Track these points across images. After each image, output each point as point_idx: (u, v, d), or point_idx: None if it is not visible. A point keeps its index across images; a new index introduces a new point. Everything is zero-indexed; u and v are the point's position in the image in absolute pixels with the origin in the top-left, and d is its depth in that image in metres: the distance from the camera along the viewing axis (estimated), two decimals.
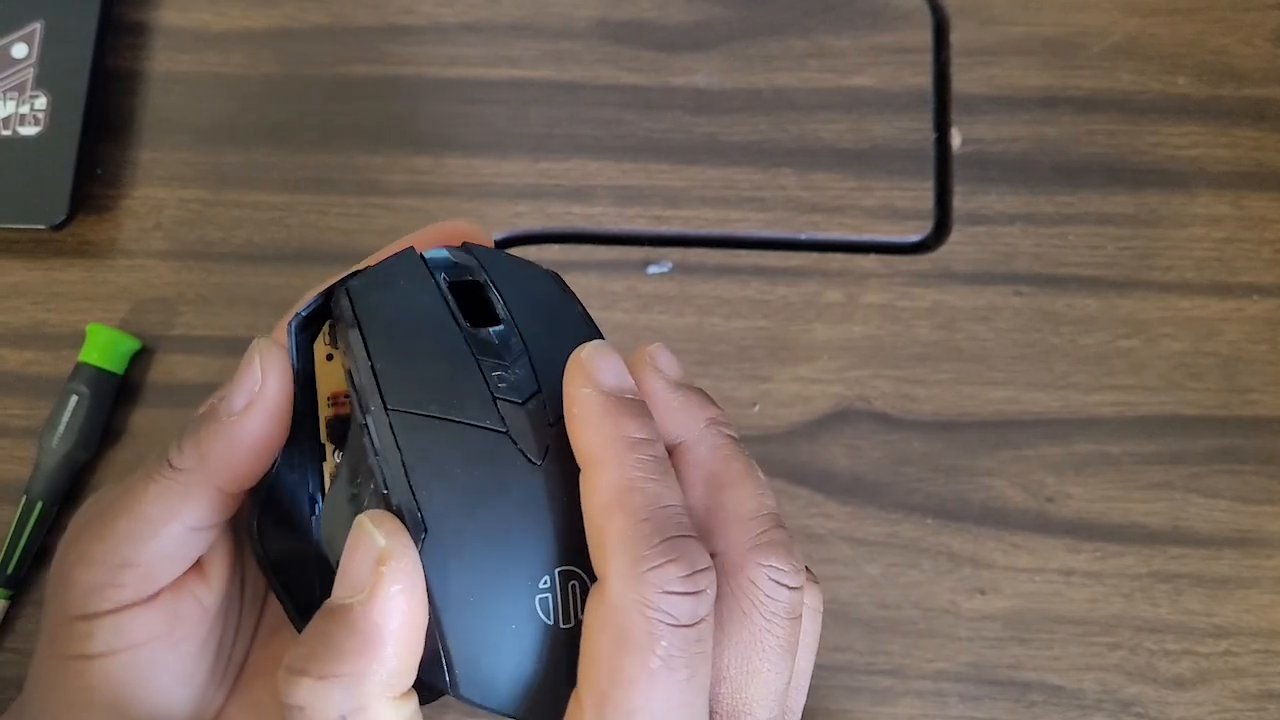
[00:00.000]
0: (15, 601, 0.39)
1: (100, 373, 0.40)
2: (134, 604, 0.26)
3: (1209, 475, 0.40)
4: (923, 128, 0.44)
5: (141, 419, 0.41)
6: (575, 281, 0.43)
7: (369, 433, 0.23)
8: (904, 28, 0.45)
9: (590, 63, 0.45)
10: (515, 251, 0.43)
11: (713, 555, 0.23)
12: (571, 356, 0.24)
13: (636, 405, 0.23)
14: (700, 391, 0.25)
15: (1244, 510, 0.40)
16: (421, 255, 0.27)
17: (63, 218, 0.42)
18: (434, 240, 0.28)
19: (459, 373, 0.24)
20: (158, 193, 0.44)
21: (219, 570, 0.28)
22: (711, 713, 0.23)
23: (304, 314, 0.27)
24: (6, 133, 0.43)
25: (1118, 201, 0.43)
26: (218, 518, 0.27)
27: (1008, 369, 0.41)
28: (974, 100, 0.44)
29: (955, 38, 0.45)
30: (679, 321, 0.42)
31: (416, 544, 0.22)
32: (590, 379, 0.23)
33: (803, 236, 0.43)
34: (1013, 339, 0.42)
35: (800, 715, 0.25)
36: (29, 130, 0.43)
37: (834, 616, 0.39)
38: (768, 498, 0.24)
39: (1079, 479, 0.40)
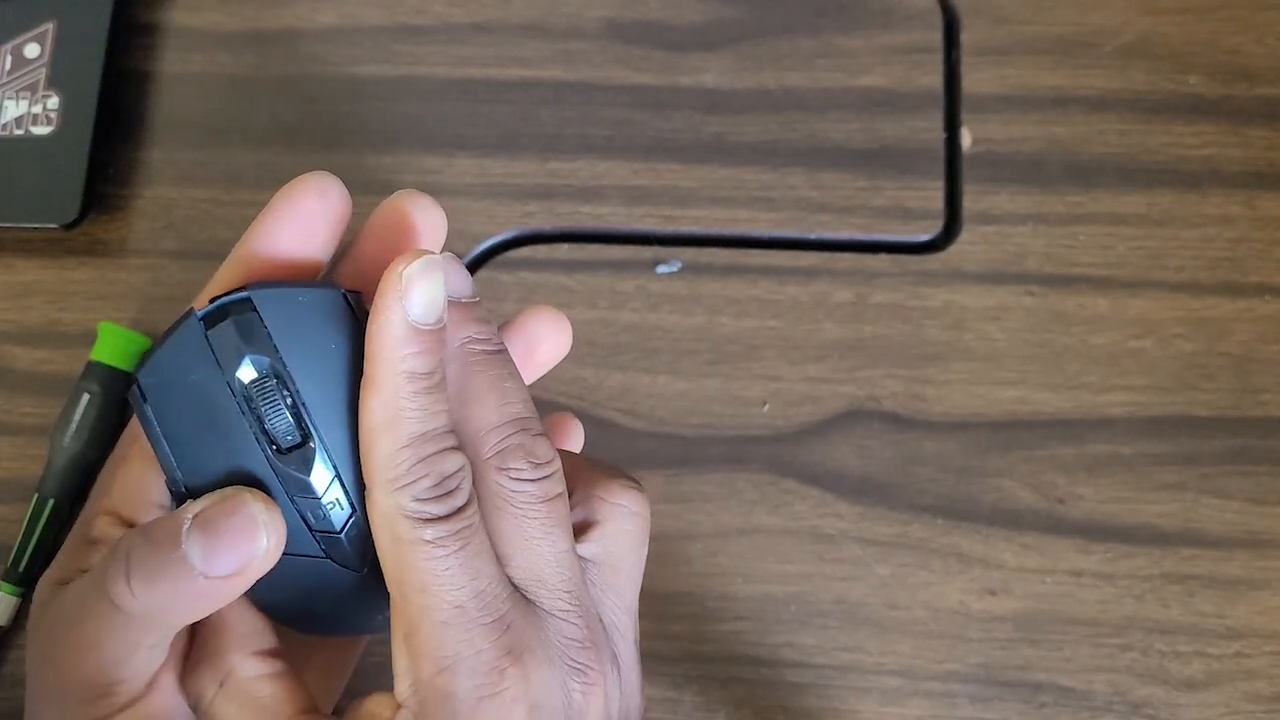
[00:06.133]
0: (26, 598, 0.39)
1: (112, 371, 0.40)
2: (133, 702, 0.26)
3: (1221, 476, 0.40)
4: (933, 127, 0.44)
5: None
6: (585, 281, 0.44)
7: None
8: (915, 27, 0.45)
9: (600, 63, 0.45)
10: (527, 252, 0.43)
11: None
12: (392, 268, 0.25)
13: (430, 339, 0.25)
14: (460, 308, 0.26)
15: (1256, 511, 0.40)
16: (204, 331, 0.25)
17: (74, 217, 0.42)
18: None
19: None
20: (169, 192, 0.44)
21: None
22: (513, 588, 0.25)
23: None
24: (19, 132, 0.43)
25: (1129, 201, 0.43)
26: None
27: (1018, 369, 0.41)
28: (985, 100, 0.44)
29: (966, 37, 0.45)
30: (688, 321, 0.42)
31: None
32: (399, 303, 0.24)
33: (812, 236, 0.43)
34: (1023, 339, 0.41)
35: (636, 606, 0.28)
36: (41, 130, 0.43)
37: (844, 617, 0.39)
38: (512, 405, 0.26)
39: (1090, 480, 0.40)
